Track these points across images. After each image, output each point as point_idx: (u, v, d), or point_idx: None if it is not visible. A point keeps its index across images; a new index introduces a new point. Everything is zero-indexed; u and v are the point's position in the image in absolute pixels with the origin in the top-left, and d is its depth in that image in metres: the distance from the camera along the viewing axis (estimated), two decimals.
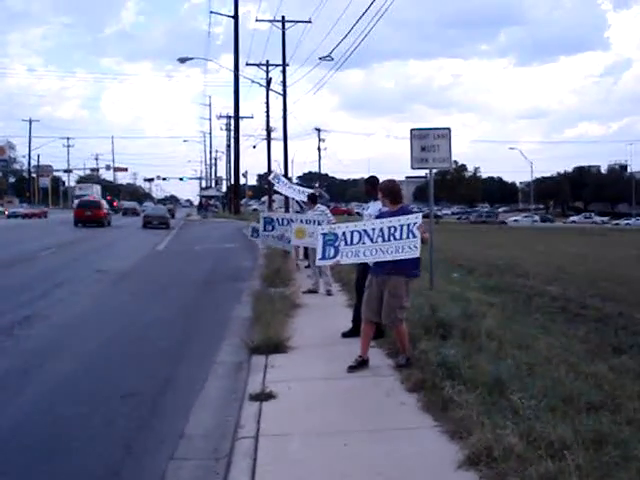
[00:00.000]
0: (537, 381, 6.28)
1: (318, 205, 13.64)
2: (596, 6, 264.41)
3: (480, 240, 42.34)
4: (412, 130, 13.45)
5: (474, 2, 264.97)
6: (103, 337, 9.84)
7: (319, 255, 7.58)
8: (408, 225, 7.19)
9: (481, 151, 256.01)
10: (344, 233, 7.41)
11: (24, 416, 6.28)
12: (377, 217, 7.86)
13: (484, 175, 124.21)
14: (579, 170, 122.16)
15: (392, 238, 7.19)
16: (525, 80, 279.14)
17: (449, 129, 13.47)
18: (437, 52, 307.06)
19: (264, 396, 6.32)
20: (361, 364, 7.23)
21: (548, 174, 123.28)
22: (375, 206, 8.42)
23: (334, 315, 10.54)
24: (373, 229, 7.30)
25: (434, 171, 13.90)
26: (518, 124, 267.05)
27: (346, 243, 7.37)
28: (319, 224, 10.33)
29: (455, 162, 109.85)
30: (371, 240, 7.27)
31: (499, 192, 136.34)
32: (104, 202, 48.83)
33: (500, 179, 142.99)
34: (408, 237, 7.15)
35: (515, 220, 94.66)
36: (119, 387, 7.21)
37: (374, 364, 7.35)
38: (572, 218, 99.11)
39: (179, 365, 8.25)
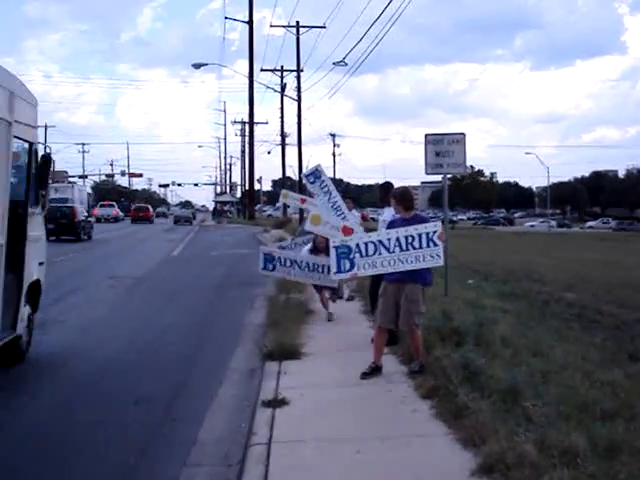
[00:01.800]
0: (552, 388, 6.25)
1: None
2: (613, 10, 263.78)
3: (496, 246, 42.12)
4: (426, 135, 13.41)
5: (490, 6, 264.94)
6: (117, 343, 9.87)
7: (334, 269, 7.56)
8: (427, 234, 7.21)
9: (497, 156, 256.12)
10: (358, 245, 7.39)
11: (39, 421, 6.31)
12: (389, 224, 7.86)
13: (500, 180, 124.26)
14: (596, 175, 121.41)
15: (411, 247, 7.19)
16: (541, 84, 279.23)
17: (464, 134, 13.42)
18: (452, 57, 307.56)
19: (277, 403, 6.33)
20: (374, 371, 7.22)
21: (565, 179, 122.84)
22: (389, 212, 8.42)
23: (347, 321, 10.53)
24: (389, 239, 7.30)
25: (449, 176, 13.86)
26: (534, 129, 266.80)
27: (361, 255, 7.35)
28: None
29: (471, 167, 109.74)
30: (388, 250, 7.26)
31: (515, 197, 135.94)
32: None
33: (516, 184, 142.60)
34: (429, 246, 7.16)
35: (532, 225, 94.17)
36: (133, 393, 7.22)
37: (387, 371, 7.34)
38: (589, 223, 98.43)
39: (193, 371, 8.27)
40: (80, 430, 6.08)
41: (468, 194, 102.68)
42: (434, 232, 7.19)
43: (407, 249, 7.18)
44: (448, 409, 5.81)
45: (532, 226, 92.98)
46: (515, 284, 19.75)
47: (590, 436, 4.89)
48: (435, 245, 7.14)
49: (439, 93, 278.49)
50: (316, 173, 11.81)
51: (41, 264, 9.02)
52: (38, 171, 8.50)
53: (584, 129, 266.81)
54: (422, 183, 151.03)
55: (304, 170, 45.98)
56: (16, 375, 7.90)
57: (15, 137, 7.60)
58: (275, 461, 4.98)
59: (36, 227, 8.59)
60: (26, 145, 8.32)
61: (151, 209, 74.23)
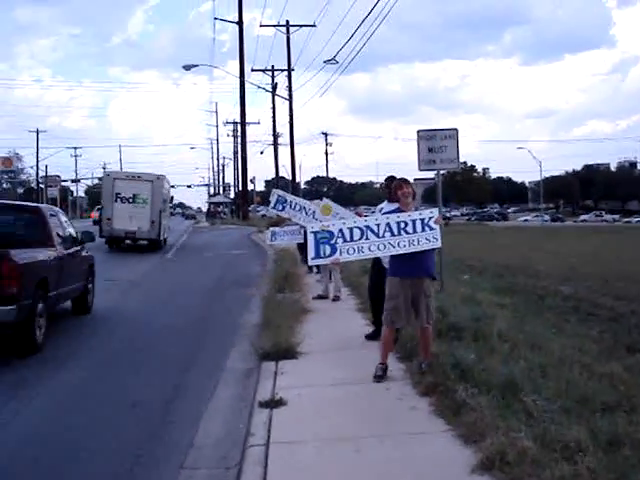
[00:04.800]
0: (551, 382, 6.21)
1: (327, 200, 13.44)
2: (600, 4, 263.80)
3: (491, 241, 42.16)
4: (419, 131, 13.33)
5: (478, 3, 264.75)
6: (113, 345, 9.82)
7: (312, 254, 7.37)
8: (422, 220, 7.10)
9: (489, 152, 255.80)
10: (341, 230, 7.27)
11: (34, 426, 6.24)
12: (384, 213, 7.75)
13: (493, 175, 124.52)
14: (588, 168, 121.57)
15: (404, 233, 7.07)
16: (532, 79, 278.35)
17: (456, 129, 13.36)
18: (442, 54, 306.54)
19: (274, 403, 6.26)
20: (385, 371, 7.03)
21: (557, 173, 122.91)
22: (390, 206, 8.30)
23: (343, 320, 10.49)
24: (378, 225, 7.19)
25: (442, 172, 13.81)
26: (526, 124, 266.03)
27: (345, 240, 7.23)
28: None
29: (464, 163, 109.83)
30: (377, 235, 7.15)
31: (508, 192, 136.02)
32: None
33: (509, 179, 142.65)
34: (424, 230, 7.05)
35: (525, 220, 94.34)
36: (129, 396, 7.17)
37: None
38: (583, 217, 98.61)
39: (189, 373, 8.21)
40: (75, 435, 6.00)
41: (461, 190, 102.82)
42: (430, 218, 7.10)
43: (399, 234, 7.06)
44: (447, 406, 5.75)
45: (526, 220, 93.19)
46: (511, 279, 19.76)
47: (591, 429, 4.86)
48: (431, 229, 7.04)
49: (430, 90, 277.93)
50: (279, 199, 12.35)
51: None
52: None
53: (575, 123, 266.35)
54: (415, 180, 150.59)
55: (296, 170, 45.65)
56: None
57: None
58: (274, 462, 4.92)
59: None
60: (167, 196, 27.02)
61: None
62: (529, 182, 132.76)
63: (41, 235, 10.48)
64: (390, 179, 8.68)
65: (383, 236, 7.13)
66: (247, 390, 7.21)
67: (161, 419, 6.44)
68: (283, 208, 12.45)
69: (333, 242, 7.25)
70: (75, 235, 12.27)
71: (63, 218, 12.23)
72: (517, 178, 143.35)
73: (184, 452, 5.55)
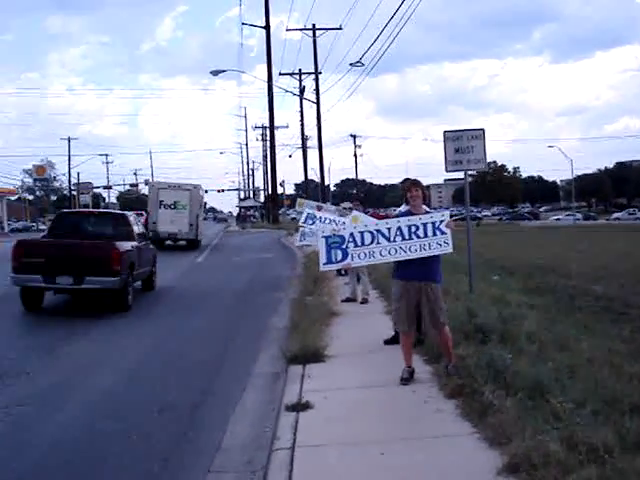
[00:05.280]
0: (579, 383, 6.15)
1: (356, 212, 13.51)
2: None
3: (522, 240, 41.76)
4: (445, 132, 13.26)
5: (506, 1, 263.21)
6: (143, 350, 9.93)
7: (323, 260, 7.32)
8: (433, 223, 7.07)
9: (520, 151, 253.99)
10: (352, 234, 7.23)
11: (63, 431, 6.32)
12: (395, 216, 7.75)
13: (524, 175, 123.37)
14: (620, 165, 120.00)
15: (415, 237, 7.04)
16: (562, 77, 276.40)
17: (483, 130, 13.27)
18: (471, 53, 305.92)
19: (300, 407, 6.28)
20: (412, 374, 7.04)
21: (589, 171, 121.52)
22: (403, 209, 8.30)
23: (371, 323, 10.48)
24: (389, 229, 7.15)
25: (471, 172, 13.74)
26: (556, 122, 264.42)
27: (356, 245, 7.19)
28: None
29: (494, 163, 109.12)
30: (388, 240, 7.11)
31: (540, 191, 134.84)
32: None
33: (540, 178, 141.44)
34: (435, 234, 7.03)
35: (557, 219, 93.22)
36: (158, 401, 7.23)
37: None
38: (616, 215, 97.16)
39: (217, 377, 8.27)
40: (103, 440, 6.09)
41: (492, 190, 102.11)
42: (441, 221, 7.06)
43: (410, 238, 7.03)
44: (473, 408, 5.72)
45: (557, 219, 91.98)
46: (541, 279, 19.55)
47: (618, 431, 4.80)
48: (442, 233, 7.01)
49: (459, 90, 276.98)
50: (309, 215, 12.66)
51: None
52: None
53: (607, 120, 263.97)
54: (445, 181, 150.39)
55: (325, 173, 45.53)
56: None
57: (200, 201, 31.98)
58: (299, 466, 4.94)
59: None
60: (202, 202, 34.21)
61: None
62: (561, 181, 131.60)
63: (127, 233, 14.94)
64: (407, 181, 8.71)
65: (394, 240, 7.10)
66: (274, 394, 7.23)
67: (189, 423, 6.49)
68: (313, 222, 12.74)
69: (344, 247, 7.21)
70: (145, 233, 17.16)
71: (137, 221, 17.11)
72: (549, 177, 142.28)
73: (211, 456, 5.60)
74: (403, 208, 8.34)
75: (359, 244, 7.22)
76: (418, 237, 7.05)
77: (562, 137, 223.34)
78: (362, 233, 7.24)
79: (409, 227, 7.09)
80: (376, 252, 7.20)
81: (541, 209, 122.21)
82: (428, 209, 7.68)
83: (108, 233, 14.69)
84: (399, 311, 7.10)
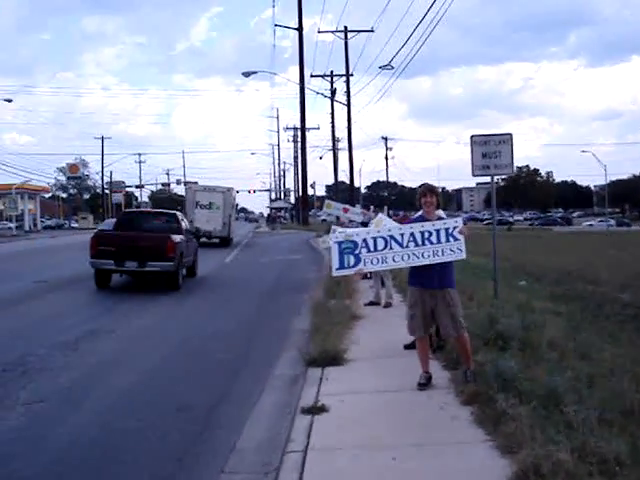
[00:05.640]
0: (597, 393, 6.10)
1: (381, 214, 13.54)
2: None
3: (552, 246, 41.36)
4: (472, 137, 13.22)
5: (541, 4, 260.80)
6: (165, 350, 10.02)
7: (336, 265, 7.31)
8: (447, 230, 7.06)
9: (554, 155, 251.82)
10: (365, 240, 7.20)
11: (81, 429, 6.42)
12: (408, 222, 7.73)
13: (557, 179, 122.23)
14: None
15: (427, 243, 7.03)
16: (597, 81, 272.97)
17: (510, 135, 13.20)
18: (505, 56, 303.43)
19: (316, 409, 6.32)
20: (429, 380, 7.04)
21: (624, 176, 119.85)
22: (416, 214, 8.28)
23: (393, 327, 10.43)
24: (402, 234, 7.13)
25: (503, 177, 13.73)
26: (591, 126, 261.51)
27: (369, 250, 7.18)
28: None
29: (527, 167, 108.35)
30: (400, 245, 7.09)
31: (573, 196, 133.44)
32: None
33: (574, 183, 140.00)
34: (448, 240, 7.01)
35: (590, 225, 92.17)
36: (176, 400, 7.31)
37: None
38: None
39: (237, 378, 8.33)
40: (120, 438, 6.18)
41: (525, 194, 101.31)
42: (454, 228, 7.04)
43: (423, 244, 7.01)
44: (488, 415, 5.70)
45: (590, 225, 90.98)
46: (569, 285, 19.37)
47: (632, 443, 4.76)
48: (456, 239, 6.99)
49: (493, 93, 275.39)
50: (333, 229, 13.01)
51: None
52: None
53: None
54: (477, 184, 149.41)
55: (355, 174, 45.57)
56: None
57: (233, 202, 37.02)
58: (310, 468, 4.97)
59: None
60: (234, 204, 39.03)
61: None
62: (594, 186, 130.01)
63: (177, 228, 18.63)
64: (421, 187, 8.74)
65: (407, 246, 7.08)
66: (292, 396, 7.25)
67: (206, 424, 6.55)
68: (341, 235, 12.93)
69: (357, 252, 7.20)
70: (189, 229, 21.10)
71: (183, 219, 21.04)
72: (582, 182, 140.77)
73: (225, 456, 5.65)
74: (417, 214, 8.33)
75: (372, 249, 7.22)
76: (431, 243, 7.05)
77: (597, 142, 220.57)
78: (375, 239, 7.24)
79: (422, 233, 7.08)
80: (389, 258, 7.20)
81: (574, 214, 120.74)
82: (443, 215, 7.67)
83: (162, 228, 18.36)
84: (414, 318, 7.09)
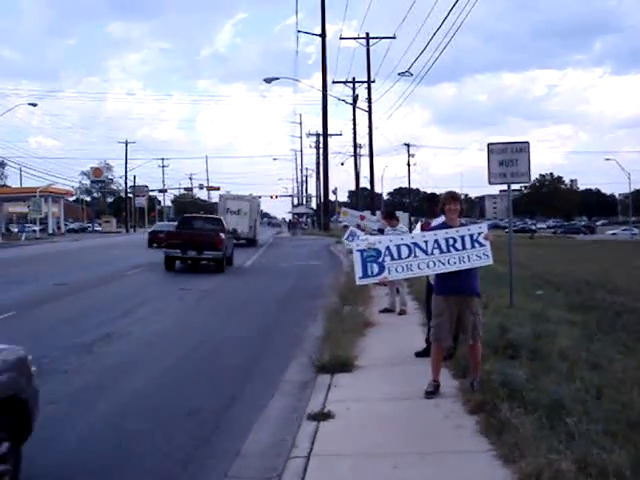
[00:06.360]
0: (605, 404, 6.06)
1: (401, 225, 13.58)
2: None
3: (574, 254, 41.01)
4: (489, 145, 13.21)
5: (566, 11, 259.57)
6: (178, 354, 10.10)
7: (359, 274, 7.29)
8: (471, 236, 7.02)
9: (578, 163, 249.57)
10: (388, 248, 7.17)
11: (91, 431, 6.50)
12: (430, 229, 7.73)
13: (581, 187, 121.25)
14: None
15: (453, 249, 6.99)
16: (623, 89, 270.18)
17: (528, 143, 13.16)
18: (530, 63, 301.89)
19: (322, 416, 6.34)
20: (437, 388, 7.02)
21: None
22: (437, 221, 8.28)
23: (406, 334, 10.46)
24: (426, 242, 7.09)
25: (522, 185, 13.72)
26: (617, 134, 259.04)
27: (392, 258, 7.15)
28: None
29: (551, 174, 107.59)
30: (425, 253, 7.06)
31: (597, 204, 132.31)
32: None
33: (598, 191, 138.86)
34: (474, 247, 6.98)
35: (613, 234, 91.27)
36: (186, 404, 7.39)
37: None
38: None
39: (247, 383, 8.39)
40: (129, 441, 6.24)
41: (548, 202, 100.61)
42: (479, 234, 7.01)
43: (448, 251, 6.97)
44: (492, 425, 5.68)
45: (614, 234, 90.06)
46: (588, 295, 19.18)
47: (635, 455, 4.73)
48: (481, 245, 6.96)
49: (517, 100, 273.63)
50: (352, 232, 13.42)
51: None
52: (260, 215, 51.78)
53: None
54: (500, 192, 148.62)
55: (375, 181, 45.57)
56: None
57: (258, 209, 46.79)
58: (311, 474, 5.00)
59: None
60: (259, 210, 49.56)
61: None
62: (619, 194, 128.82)
63: (222, 229, 25.61)
64: (432, 195, 8.80)
65: (432, 253, 7.03)
66: (301, 402, 7.29)
67: (214, 428, 6.61)
68: (353, 239, 13.49)
69: (381, 260, 7.17)
70: (229, 229, 28.69)
71: (226, 221, 29.64)
72: (607, 190, 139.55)
73: (230, 461, 5.69)
74: (433, 222, 8.34)
75: (396, 257, 7.17)
76: (456, 250, 7.00)
77: (623, 149, 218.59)
78: (399, 246, 7.20)
79: (446, 240, 7.03)
80: (414, 265, 7.16)
81: (598, 223, 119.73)
82: (464, 222, 7.66)
83: (212, 228, 25.59)
84: (442, 326, 7.00)
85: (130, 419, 6.88)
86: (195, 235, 24.09)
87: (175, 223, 31.47)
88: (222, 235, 24.25)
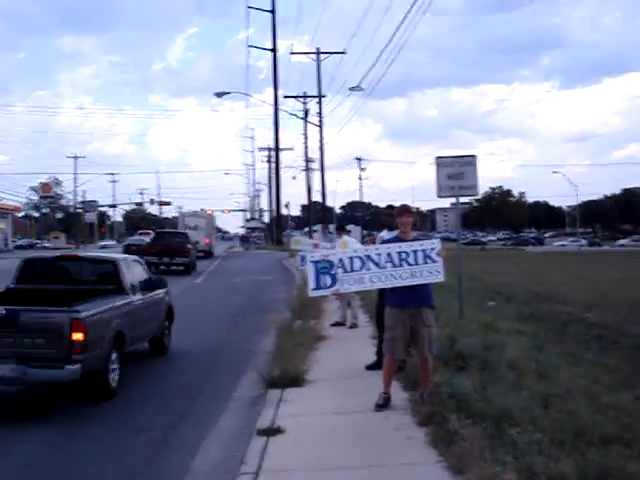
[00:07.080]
0: (551, 413, 6.13)
1: (346, 237, 13.58)
2: (638, 27, 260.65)
3: (524, 266, 41.70)
4: (437, 158, 13.29)
5: (514, 27, 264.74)
6: (126, 372, 9.90)
7: (312, 285, 7.22)
8: (424, 251, 6.99)
9: (527, 176, 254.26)
10: (341, 260, 7.12)
11: (34, 451, 6.34)
12: (384, 242, 7.71)
13: (530, 200, 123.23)
14: (627, 192, 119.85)
15: (405, 264, 6.96)
16: (570, 103, 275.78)
17: (475, 156, 13.28)
18: (479, 78, 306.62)
19: (272, 431, 6.29)
20: (387, 401, 6.99)
21: (596, 197, 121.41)
22: (390, 234, 8.29)
23: (356, 348, 10.46)
24: (379, 254, 7.06)
25: (472, 198, 13.85)
26: (564, 147, 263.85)
27: (345, 270, 7.08)
28: None
29: (500, 187, 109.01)
30: (377, 266, 7.02)
31: (546, 217, 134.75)
32: None
33: (546, 203, 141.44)
34: (426, 262, 6.95)
35: (562, 245, 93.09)
36: (134, 423, 7.26)
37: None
38: (621, 241, 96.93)
39: (197, 399, 8.29)
40: (75, 460, 6.10)
41: (498, 214, 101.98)
42: (432, 249, 7.00)
43: (400, 265, 6.94)
44: (441, 436, 5.70)
45: (562, 245, 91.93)
46: (537, 305, 19.54)
47: (580, 463, 4.78)
48: (433, 261, 6.93)
49: (467, 114, 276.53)
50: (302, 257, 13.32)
51: None
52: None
53: (614, 146, 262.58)
54: (451, 204, 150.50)
55: (327, 195, 45.64)
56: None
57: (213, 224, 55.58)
58: None
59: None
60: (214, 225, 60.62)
61: None
62: (567, 206, 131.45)
63: (187, 241, 32.98)
64: (390, 208, 8.75)
65: (384, 267, 7.00)
66: (250, 418, 7.22)
67: (163, 446, 6.51)
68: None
69: (333, 272, 7.11)
70: (194, 242, 36.08)
71: (193, 236, 38.50)
72: (555, 202, 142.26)
73: (179, 478, 5.61)
74: (387, 234, 8.35)
75: (348, 270, 7.12)
76: (409, 264, 6.96)
77: (570, 163, 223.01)
78: (351, 259, 7.14)
79: (399, 254, 7.00)
80: (365, 278, 7.11)
81: (546, 235, 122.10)
82: (417, 235, 7.64)
83: (180, 240, 32.17)
84: (395, 340, 6.94)
85: (76, 440, 6.73)
86: (168, 245, 30.68)
87: (143, 238, 43.43)
88: (189, 245, 31.67)
